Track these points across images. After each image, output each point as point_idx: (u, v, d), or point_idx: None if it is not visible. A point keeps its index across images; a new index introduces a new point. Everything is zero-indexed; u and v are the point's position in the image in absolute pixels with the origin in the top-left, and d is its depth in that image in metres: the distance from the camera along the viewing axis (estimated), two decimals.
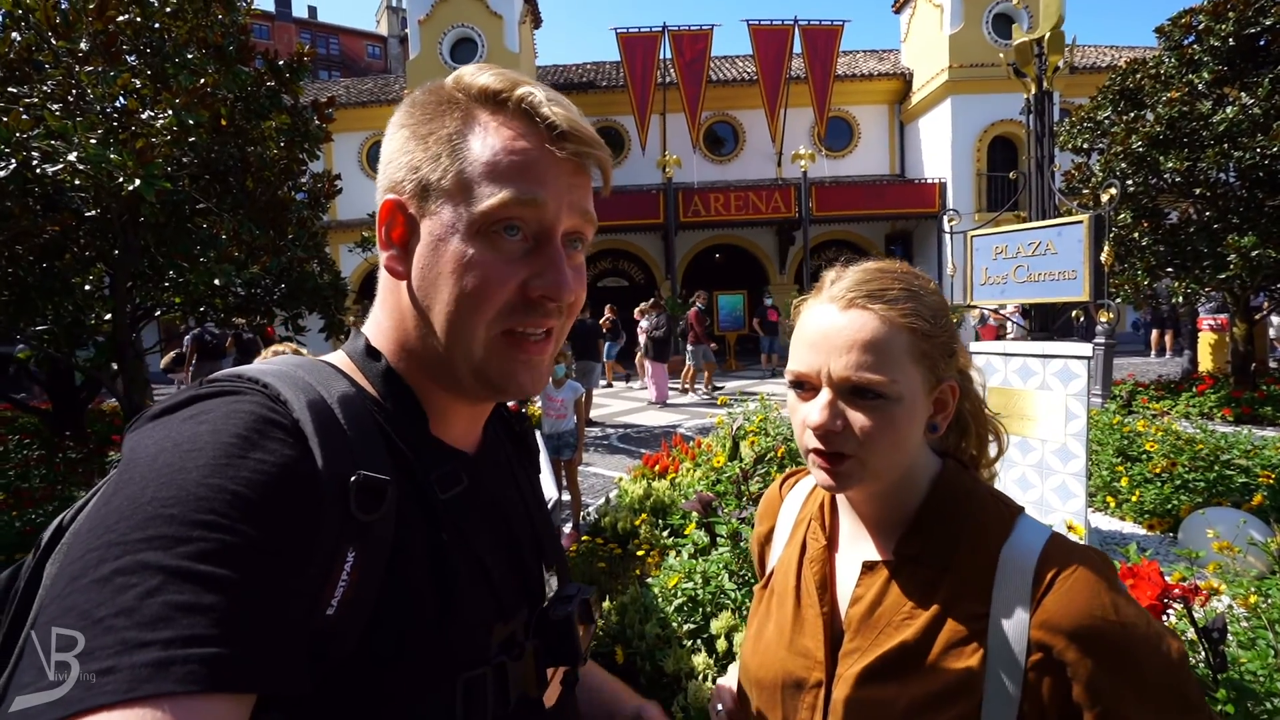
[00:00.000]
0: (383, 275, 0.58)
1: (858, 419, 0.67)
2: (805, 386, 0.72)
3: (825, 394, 0.69)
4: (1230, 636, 1.93)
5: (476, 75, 0.55)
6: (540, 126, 0.53)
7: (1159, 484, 3.91)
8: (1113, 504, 4.14)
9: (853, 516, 0.78)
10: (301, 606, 0.41)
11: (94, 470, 5.41)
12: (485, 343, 0.53)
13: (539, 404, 4.92)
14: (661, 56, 16.39)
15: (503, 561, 0.59)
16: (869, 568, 0.73)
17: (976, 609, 0.66)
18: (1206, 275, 7.03)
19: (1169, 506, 3.78)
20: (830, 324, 0.69)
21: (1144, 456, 4.24)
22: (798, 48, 16.54)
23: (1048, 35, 3.58)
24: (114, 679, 0.32)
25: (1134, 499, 3.97)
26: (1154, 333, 14.42)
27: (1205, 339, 9.77)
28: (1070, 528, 2.38)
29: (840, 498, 0.80)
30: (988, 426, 0.81)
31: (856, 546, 0.77)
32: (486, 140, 0.52)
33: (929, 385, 0.71)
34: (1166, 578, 1.95)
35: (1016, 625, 0.63)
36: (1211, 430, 4.34)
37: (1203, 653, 1.57)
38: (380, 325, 0.58)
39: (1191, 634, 1.64)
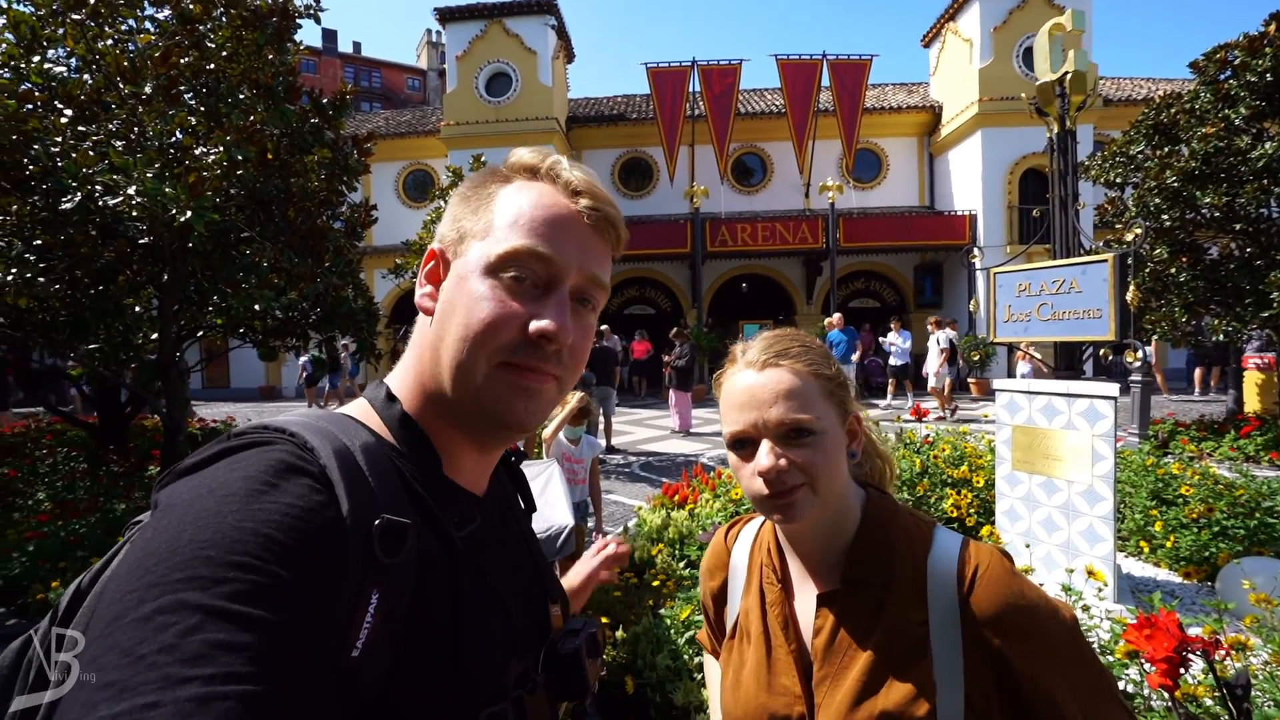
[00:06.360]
0: (418, 320, 0.63)
1: (798, 456, 0.77)
2: (745, 444, 0.80)
3: (766, 444, 0.78)
4: (1262, 694, 1.85)
5: (522, 155, 0.64)
6: (560, 186, 0.61)
7: (1195, 530, 3.76)
8: (1147, 549, 3.99)
9: (797, 557, 0.87)
10: (330, 647, 0.42)
11: (134, 484, 5.62)
12: (485, 373, 0.56)
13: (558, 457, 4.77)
14: (691, 90, 16.68)
15: (516, 598, 0.62)
16: (823, 600, 0.82)
17: (918, 616, 0.75)
18: (1249, 313, 6.83)
19: (1206, 554, 3.63)
20: (755, 383, 0.80)
21: (1180, 500, 4.09)
22: (826, 82, 16.69)
23: (1070, 75, 3.59)
24: (159, 713, 0.33)
25: (1169, 545, 3.82)
26: (1197, 370, 13.95)
27: (1251, 378, 9.40)
28: (1090, 573, 2.32)
29: (785, 542, 0.89)
30: (879, 454, 0.95)
31: (808, 582, 0.85)
32: (518, 198, 0.60)
33: (842, 417, 0.83)
34: (1198, 629, 1.89)
35: (950, 623, 0.73)
36: (1253, 475, 4.18)
37: (1228, 708, 1.51)
38: (405, 365, 0.63)
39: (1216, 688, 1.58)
